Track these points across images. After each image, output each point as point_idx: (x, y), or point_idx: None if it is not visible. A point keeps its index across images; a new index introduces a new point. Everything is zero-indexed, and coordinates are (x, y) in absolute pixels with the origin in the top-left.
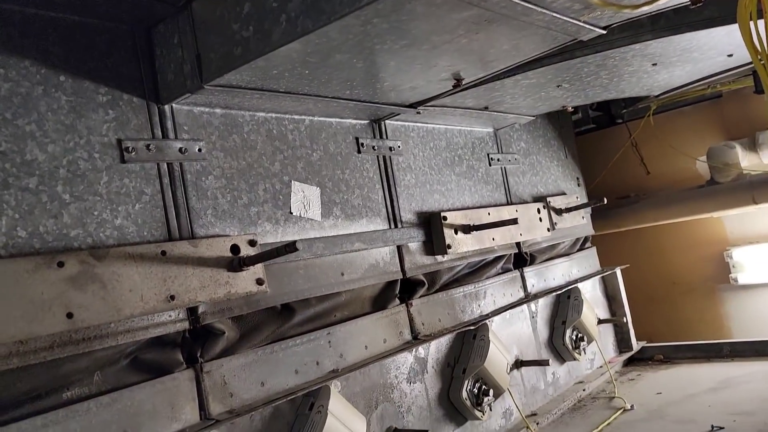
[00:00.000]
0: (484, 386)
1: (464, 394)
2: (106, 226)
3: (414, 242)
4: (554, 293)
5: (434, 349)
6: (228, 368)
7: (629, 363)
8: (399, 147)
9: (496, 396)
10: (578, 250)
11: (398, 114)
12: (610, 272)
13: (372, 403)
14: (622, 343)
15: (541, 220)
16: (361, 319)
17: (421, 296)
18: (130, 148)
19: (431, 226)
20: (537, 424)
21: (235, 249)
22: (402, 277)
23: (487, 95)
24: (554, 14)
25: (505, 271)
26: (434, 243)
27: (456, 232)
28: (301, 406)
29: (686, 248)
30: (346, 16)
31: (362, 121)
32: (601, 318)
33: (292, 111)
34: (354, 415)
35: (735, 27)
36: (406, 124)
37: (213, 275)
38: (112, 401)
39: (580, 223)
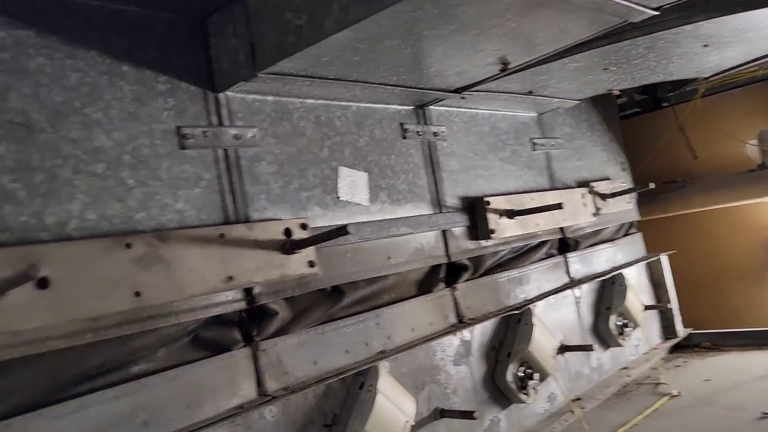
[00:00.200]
0: (529, 370)
1: (509, 378)
2: (167, 210)
3: (458, 227)
4: (599, 279)
5: (479, 333)
6: (282, 347)
7: (675, 350)
8: (443, 132)
9: (542, 380)
10: (623, 236)
11: (443, 99)
12: (655, 258)
13: (419, 384)
14: (668, 330)
15: (585, 205)
16: (407, 302)
17: (465, 280)
18: (189, 135)
19: (475, 211)
20: (582, 408)
21: (287, 232)
22: (447, 261)
23: (532, 79)
24: None
25: (549, 256)
26: (478, 228)
27: (500, 217)
28: (352, 385)
29: (735, 234)
30: (397, 2)
31: (407, 107)
32: (647, 304)
33: (339, 98)
34: (403, 394)
35: None
36: (450, 109)
37: (268, 257)
38: (177, 376)
39: (625, 208)
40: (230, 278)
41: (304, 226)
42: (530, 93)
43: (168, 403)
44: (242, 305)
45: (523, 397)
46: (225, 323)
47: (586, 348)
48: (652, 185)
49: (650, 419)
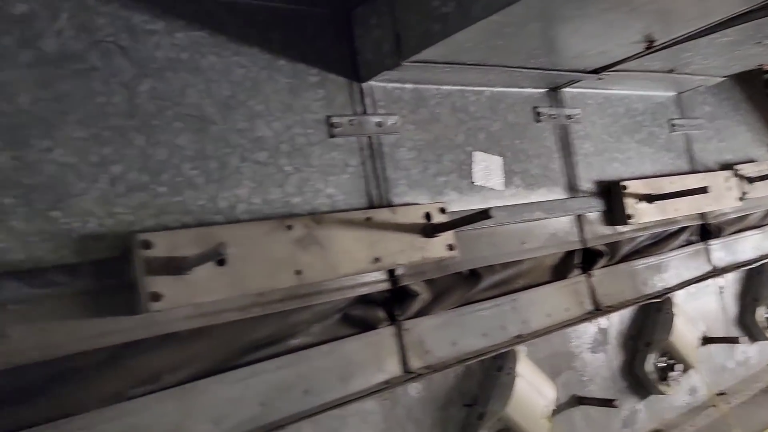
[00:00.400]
0: (670, 361)
1: (649, 368)
2: (319, 195)
3: (593, 212)
4: (744, 268)
5: (617, 321)
6: (424, 327)
7: None
8: (577, 115)
9: (684, 371)
10: None
11: (578, 81)
12: None
13: (555, 370)
14: None
15: (729, 189)
16: (543, 287)
17: (601, 267)
18: (337, 124)
19: (611, 195)
20: (727, 403)
21: (427, 216)
22: (582, 247)
23: (675, 57)
24: None
25: (688, 243)
26: (614, 213)
27: (637, 202)
28: (490, 367)
29: None
30: None
31: (540, 90)
32: None
33: (473, 83)
34: (543, 379)
35: None
36: (584, 91)
37: (410, 240)
38: (331, 350)
39: None
40: (377, 259)
41: (443, 210)
42: (671, 71)
43: (324, 374)
44: (386, 286)
45: (663, 388)
46: (370, 303)
47: (731, 340)
48: None
49: None
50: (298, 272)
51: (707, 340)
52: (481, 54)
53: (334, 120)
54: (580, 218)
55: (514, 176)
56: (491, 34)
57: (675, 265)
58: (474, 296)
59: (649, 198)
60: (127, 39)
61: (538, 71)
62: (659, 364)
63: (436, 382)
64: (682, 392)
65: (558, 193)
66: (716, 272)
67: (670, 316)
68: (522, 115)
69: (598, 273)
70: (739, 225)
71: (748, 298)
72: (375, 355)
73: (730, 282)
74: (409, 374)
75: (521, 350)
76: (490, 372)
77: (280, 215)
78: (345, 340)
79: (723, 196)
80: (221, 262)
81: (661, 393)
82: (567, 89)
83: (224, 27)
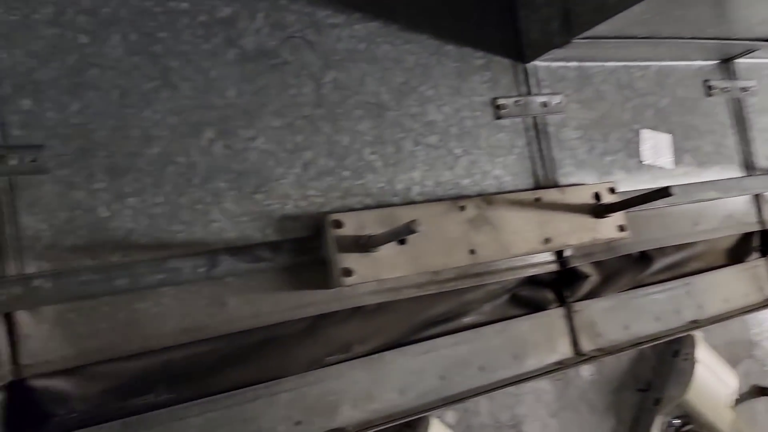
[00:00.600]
0: None
1: None
2: (487, 176)
3: None
4: None
5: None
6: (594, 310)
7: None
8: (752, 87)
9: None
10: None
11: (753, 51)
12: None
13: (734, 359)
14: None
15: None
16: (718, 271)
17: None
18: (502, 105)
19: None
20: None
21: (596, 196)
22: (760, 228)
23: None
24: None
25: None
26: None
27: None
28: (664, 352)
29: None
30: None
31: (711, 62)
32: None
33: (639, 57)
34: (723, 366)
35: None
36: (760, 61)
37: (579, 221)
38: (503, 329)
39: None
40: (547, 240)
41: (612, 190)
42: None
43: (498, 352)
44: (555, 267)
45: None
46: (539, 284)
47: None
48: None
49: None
50: (472, 251)
51: None
52: (655, 26)
53: (500, 102)
54: (758, 198)
55: (685, 154)
56: (671, 3)
57: None
58: (645, 279)
59: None
60: (313, 33)
61: (712, 41)
62: None
63: (608, 366)
64: None
65: (733, 172)
66: None
67: None
68: (692, 89)
69: None
70: None
71: None
72: (546, 336)
73: None
74: (581, 356)
75: (699, 335)
76: (665, 357)
77: (451, 197)
78: (516, 320)
79: None
80: (402, 242)
81: None
82: (741, 60)
83: (396, 16)
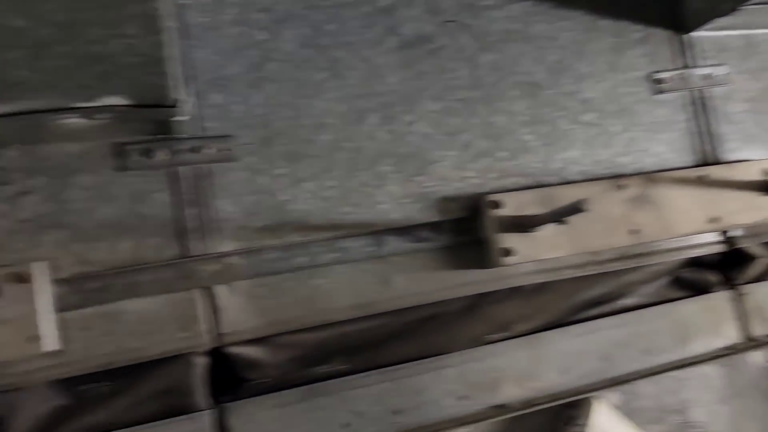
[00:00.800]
0: None
1: None
2: (647, 154)
3: None
4: None
5: None
6: (766, 293)
7: None
8: None
9: None
10: None
11: None
12: None
13: None
14: None
15: None
16: None
17: None
18: (662, 80)
19: None
20: None
21: (766, 173)
22: None
23: None
24: None
25: None
26: None
27: None
28: None
29: None
30: None
31: None
32: None
33: None
34: None
35: None
36: None
37: (748, 199)
38: (666, 312)
39: None
40: (713, 219)
41: None
42: None
43: (661, 335)
44: (720, 248)
45: None
46: (702, 265)
47: None
48: None
49: None
50: (633, 231)
51: None
52: None
53: (659, 76)
54: None
55: None
56: None
57: None
58: None
59: None
60: (468, 17)
61: None
62: None
63: None
64: None
65: None
66: None
67: None
68: None
69: None
70: None
71: None
72: (711, 320)
73: None
74: (751, 341)
75: None
76: None
77: (609, 175)
78: (679, 303)
79: None
80: (562, 222)
81: None
82: None
83: None
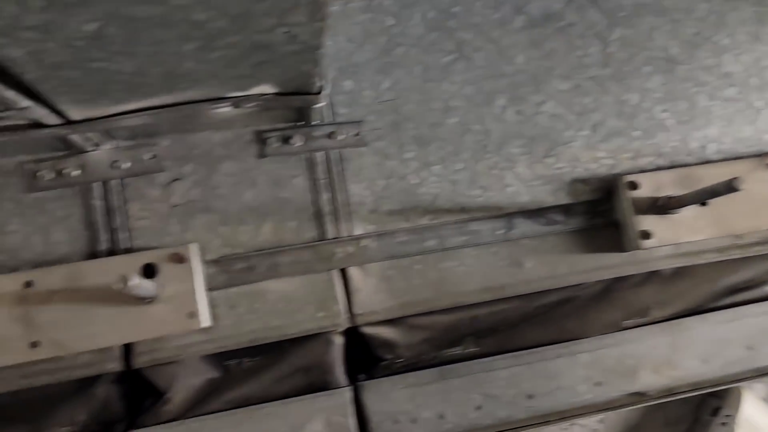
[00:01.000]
0: None
1: None
2: None
3: None
4: None
5: None
6: None
7: None
8: None
9: None
10: None
11: None
12: None
13: None
14: None
15: None
16: None
17: None
18: None
19: None
20: None
21: None
22: None
23: None
24: None
25: None
26: None
27: None
28: None
29: None
30: None
31: None
32: None
33: None
34: None
35: None
36: None
37: None
38: None
39: None
40: None
41: None
42: None
43: None
44: None
45: None
46: None
47: None
48: None
49: None
50: None
51: None
52: None
53: None
54: None
55: None
56: None
57: None
58: None
59: None
60: None
61: None
62: None
63: None
64: None
65: None
66: None
67: None
68: None
69: None
70: None
71: None
72: None
73: None
74: None
75: None
76: None
77: (753, 154)
78: None
79: None
80: (704, 203)
81: None
82: None
83: None
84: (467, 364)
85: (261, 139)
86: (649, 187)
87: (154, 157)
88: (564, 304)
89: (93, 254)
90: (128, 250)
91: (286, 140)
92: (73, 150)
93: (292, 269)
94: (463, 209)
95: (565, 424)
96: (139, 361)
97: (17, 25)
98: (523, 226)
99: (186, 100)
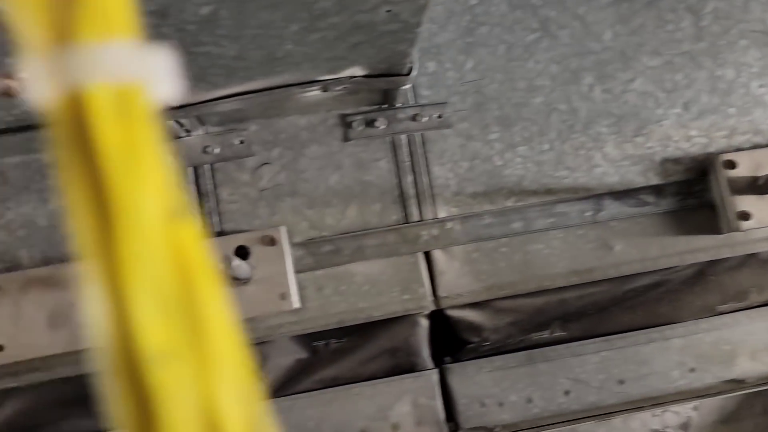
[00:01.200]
0: None
1: None
2: None
3: None
4: None
5: None
6: None
7: None
8: None
9: None
10: None
11: None
12: None
13: None
14: None
15: None
16: None
17: None
18: None
19: None
20: None
21: None
22: None
23: None
24: None
25: None
26: None
27: None
28: None
29: None
30: None
31: None
32: None
33: None
34: None
35: None
36: None
37: None
38: None
39: None
40: None
41: None
42: None
43: None
44: None
45: None
46: None
47: None
48: None
49: None
50: None
51: None
52: None
53: None
54: None
55: None
56: None
57: None
58: None
59: None
60: None
61: None
62: None
63: None
64: None
65: None
66: None
67: None
68: None
69: None
70: None
71: None
72: None
73: None
74: None
75: None
76: None
77: None
78: None
79: None
80: None
81: None
82: None
83: None
84: (555, 348)
85: (345, 122)
86: (747, 166)
87: (243, 142)
88: (655, 287)
89: None
90: (220, 234)
91: (369, 123)
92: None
93: (377, 252)
94: (549, 191)
95: (657, 411)
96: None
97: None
98: (612, 207)
99: (279, 84)
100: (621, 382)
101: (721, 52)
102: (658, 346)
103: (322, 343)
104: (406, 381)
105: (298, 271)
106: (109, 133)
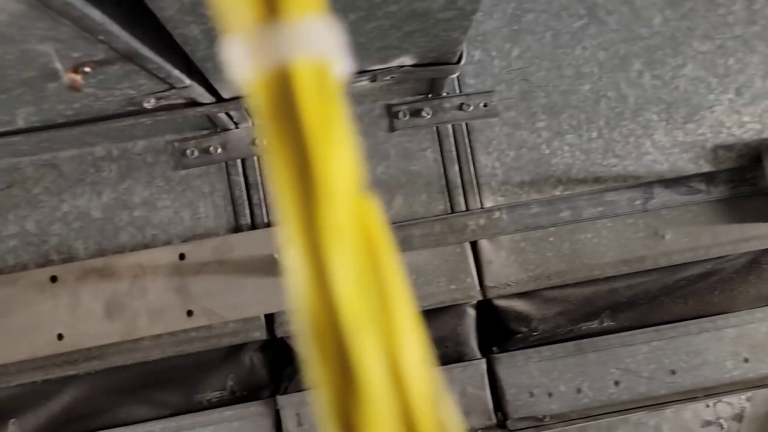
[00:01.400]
0: None
1: None
2: None
3: None
4: None
5: None
6: None
7: None
8: None
9: None
10: None
11: None
12: None
13: None
14: None
15: None
16: None
17: None
18: None
19: None
20: None
21: None
22: None
23: None
24: None
25: None
26: None
27: None
28: None
29: None
30: None
31: None
32: None
33: None
34: None
35: None
36: None
37: None
38: None
39: None
40: None
41: None
42: None
43: None
44: None
45: None
46: None
47: None
48: None
49: None
50: None
51: None
52: None
53: None
54: None
55: None
56: None
57: None
58: None
59: None
60: None
61: None
62: None
63: None
64: None
65: None
66: None
67: None
68: None
69: None
70: None
71: None
72: None
73: None
74: None
75: None
76: None
77: None
78: None
79: None
80: None
81: None
82: None
83: None
84: (605, 337)
85: (391, 113)
86: None
87: None
88: (708, 277)
89: (236, 228)
90: (267, 225)
91: (415, 113)
92: (216, 128)
93: (424, 242)
94: (597, 179)
95: (710, 402)
96: (281, 330)
97: (202, 2)
98: (663, 195)
99: None
100: (672, 372)
101: None
102: (710, 336)
103: None
104: (455, 370)
105: None
106: (313, 108)
